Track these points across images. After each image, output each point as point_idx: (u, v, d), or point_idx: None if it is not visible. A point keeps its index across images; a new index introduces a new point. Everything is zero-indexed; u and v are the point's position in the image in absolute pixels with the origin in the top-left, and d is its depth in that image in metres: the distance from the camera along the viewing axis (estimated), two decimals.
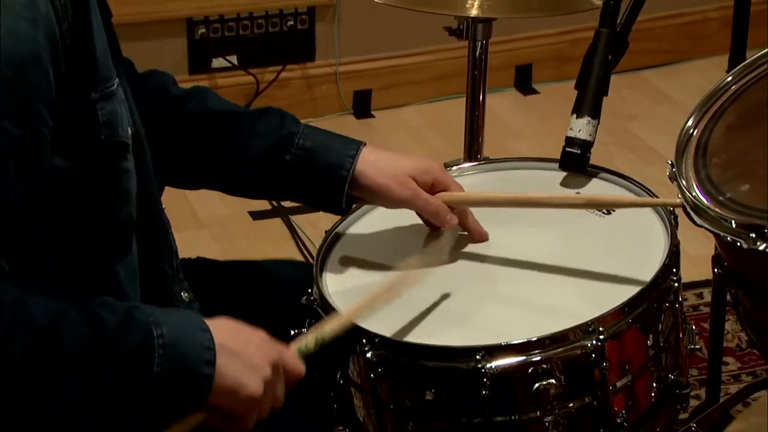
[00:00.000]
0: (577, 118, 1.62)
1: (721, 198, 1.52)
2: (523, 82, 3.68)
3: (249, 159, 1.55)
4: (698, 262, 2.39)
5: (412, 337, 1.36)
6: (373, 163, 1.53)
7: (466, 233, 1.55)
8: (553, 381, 1.32)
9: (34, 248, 1.22)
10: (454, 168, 1.68)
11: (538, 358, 1.32)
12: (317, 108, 3.43)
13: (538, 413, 1.33)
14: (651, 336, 1.40)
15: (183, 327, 1.23)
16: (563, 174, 1.63)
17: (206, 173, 1.60)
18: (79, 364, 1.17)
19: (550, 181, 1.63)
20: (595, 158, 1.63)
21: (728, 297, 1.90)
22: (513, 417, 1.33)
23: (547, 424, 1.34)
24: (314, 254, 1.54)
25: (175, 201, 3.02)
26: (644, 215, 1.54)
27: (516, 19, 2.87)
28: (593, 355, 1.32)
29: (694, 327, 1.50)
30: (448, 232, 1.56)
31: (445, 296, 1.45)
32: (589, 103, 1.62)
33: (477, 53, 2.11)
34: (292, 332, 1.43)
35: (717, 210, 1.50)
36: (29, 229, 1.20)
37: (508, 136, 3.40)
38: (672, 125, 1.79)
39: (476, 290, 1.47)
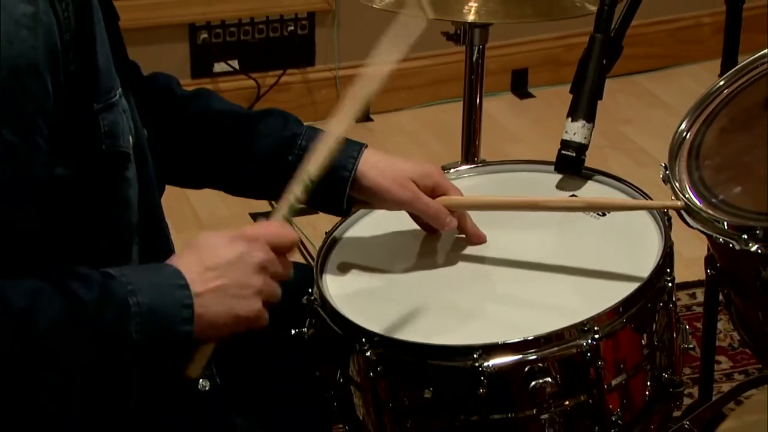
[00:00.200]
0: (572, 121, 1.62)
1: (713, 200, 1.53)
2: (519, 86, 3.69)
3: (252, 159, 1.55)
4: (691, 263, 2.39)
5: (411, 337, 1.35)
6: (374, 165, 1.53)
7: (463, 236, 1.55)
8: (549, 379, 1.32)
9: (30, 253, 1.21)
10: (452, 171, 1.68)
11: (535, 357, 1.31)
12: (317, 112, 3.43)
13: (535, 411, 1.33)
14: (645, 335, 1.40)
15: (159, 289, 1.22)
16: (559, 176, 1.63)
17: (210, 173, 1.60)
18: (57, 343, 1.16)
19: (545, 183, 1.63)
20: (590, 161, 1.63)
21: (721, 297, 1.90)
22: (510, 415, 1.33)
23: (543, 421, 1.34)
24: (314, 255, 1.54)
25: (176, 202, 3.02)
26: (639, 217, 1.54)
27: (512, 24, 2.87)
28: (588, 354, 1.32)
29: (687, 326, 1.50)
30: (445, 235, 1.56)
31: (443, 296, 1.45)
32: (584, 107, 1.62)
33: (474, 58, 2.11)
34: (293, 332, 1.43)
35: (710, 212, 1.50)
36: (24, 234, 1.19)
37: (505, 140, 3.40)
38: (665, 128, 1.79)
39: (474, 290, 1.47)
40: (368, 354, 1.34)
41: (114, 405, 1.23)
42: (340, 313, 1.39)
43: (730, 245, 1.47)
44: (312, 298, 1.44)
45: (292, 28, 3.40)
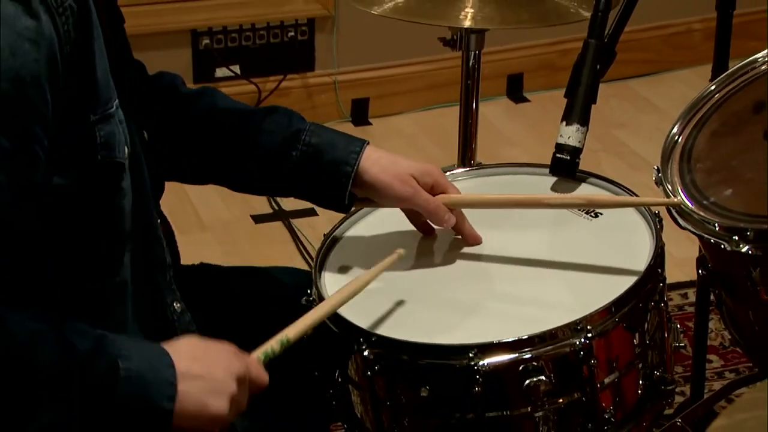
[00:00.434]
0: (566, 125, 1.62)
1: (705, 202, 1.53)
2: (515, 90, 3.68)
3: (256, 155, 1.54)
4: (683, 263, 2.40)
5: (408, 336, 1.35)
6: (376, 161, 1.53)
7: (459, 237, 1.55)
8: (543, 378, 1.31)
9: (30, 254, 1.21)
10: (448, 173, 1.68)
11: (529, 356, 1.31)
12: (317, 116, 3.43)
13: (529, 409, 1.33)
14: (637, 334, 1.40)
15: (149, 361, 1.22)
16: (553, 179, 1.63)
17: (214, 169, 1.59)
18: (49, 384, 1.16)
19: (540, 186, 1.63)
20: (584, 164, 1.63)
21: (712, 297, 1.90)
22: (504, 413, 1.33)
23: (537, 419, 1.33)
24: (313, 256, 1.53)
25: (179, 205, 3.02)
26: (630, 218, 1.54)
27: (507, 30, 2.86)
28: (582, 353, 1.32)
29: (678, 326, 1.50)
30: (441, 236, 1.56)
31: (439, 296, 1.45)
32: (578, 111, 1.62)
33: (470, 63, 2.11)
34: None
35: (701, 213, 1.51)
36: (22, 238, 1.19)
37: (500, 143, 3.40)
38: (657, 132, 1.80)
39: (470, 290, 1.47)
40: (366, 353, 1.34)
41: None
42: (338, 313, 1.39)
43: (721, 246, 1.47)
44: (311, 298, 1.44)
45: (292, 34, 3.39)
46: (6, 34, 1.12)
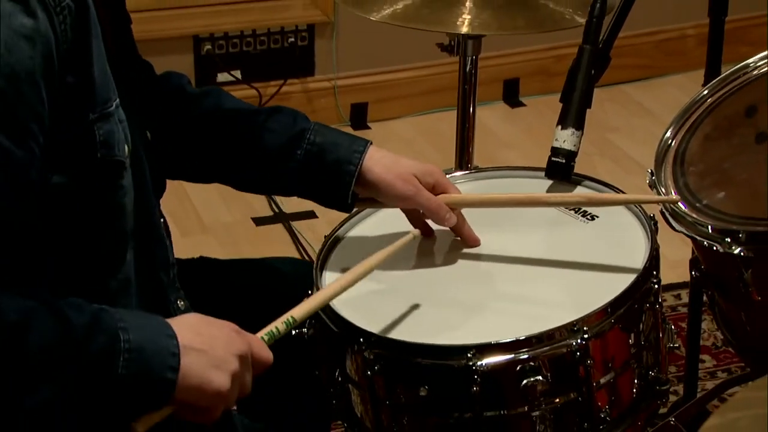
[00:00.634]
0: (562, 129, 1.62)
1: (698, 204, 1.53)
2: (511, 95, 3.68)
3: (261, 154, 1.54)
4: (676, 265, 2.39)
5: (407, 336, 1.35)
6: (379, 161, 1.53)
7: (458, 239, 1.55)
8: (540, 378, 1.31)
9: (31, 256, 1.21)
10: (447, 177, 1.68)
11: (526, 356, 1.31)
12: (317, 120, 3.36)
13: (526, 408, 1.33)
14: (632, 335, 1.40)
15: (150, 333, 1.20)
16: (549, 182, 1.63)
17: (219, 168, 1.59)
18: (45, 361, 1.14)
19: (536, 188, 1.63)
20: (579, 167, 1.63)
21: (705, 298, 1.90)
22: (502, 412, 1.33)
23: (534, 418, 1.33)
24: (313, 257, 1.53)
25: (181, 208, 3.01)
26: (626, 221, 1.54)
27: (504, 36, 2.87)
28: (578, 353, 1.32)
29: (672, 326, 1.50)
30: (441, 238, 1.56)
31: (438, 297, 1.45)
32: (573, 115, 1.62)
33: (467, 68, 2.11)
34: (293, 332, 1.43)
35: (694, 216, 1.51)
36: (21, 235, 1.18)
37: (497, 147, 3.40)
38: (651, 136, 1.80)
39: (469, 291, 1.47)
40: (366, 353, 1.34)
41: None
42: (339, 313, 1.39)
43: (714, 248, 1.47)
44: None
45: (292, 39, 3.39)
46: (2, 31, 1.12)
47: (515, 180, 1.67)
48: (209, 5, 3.29)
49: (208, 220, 3.03)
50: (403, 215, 1.57)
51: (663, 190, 1.55)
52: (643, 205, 1.53)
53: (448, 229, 1.54)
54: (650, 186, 1.57)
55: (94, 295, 1.26)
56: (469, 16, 2.00)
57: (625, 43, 3.44)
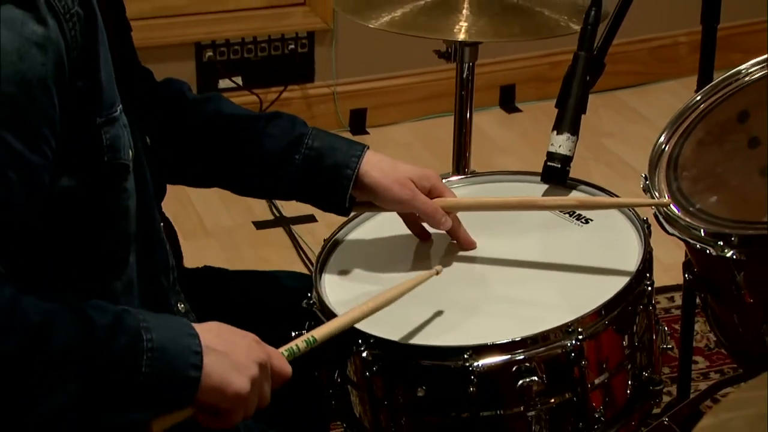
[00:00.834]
0: (557, 134, 1.62)
1: (691, 208, 1.53)
2: (507, 101, 3.69)
3: (261, 158, 1.54)
4: (670, 268, 2.40)
5: (405, 338, 1.35)
6: (376, 165, 1.53)
7: (454, 242, 1.55)
8: (536, 378, 1.31)
9: (33, 257, 1.20)
10: (444, 181, 1.68)
11: (522, 357, 1.31)
12: (316, 125, 3.36)
13: (522, 408, 1.33)
14: (626, 336, 1.40)
15: (172, 332, 1.19)
16: (545, 186, 1.63)
17: (219, 173, 1.59)
18: (68, 362, 1.13)
19: (532, 193, 1.63)
20: (574, 172, 1.63)
21: (698, 300, 1.90)
22: (498, 412, 1.33)
23: (530, 418, 1.33)
24: (313, 260, 1.53)
25: (183, 211, 3.02)
26: (619, 225, 1.54)
27: (500, 42, 2.87)
28: (573, 354, 1.32)
29: (666, 328, 1.50)
30: (437, 241, 1.56)
31: (435, 299, 1.45)
32: (568, 121, 1.62)
33: (464, 74, 2.11)
34: (293, 333, 1.43)
35: (687, 219, 1.51)
36: (25, 236, 1.18)
37: (494, 152, 3.40)
38: (645, 141, 1.80)
39: (466, 293, 1.47)
40: (364, 355, 1.34)
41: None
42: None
43: (707, 251, 1.47)
44: (311, 302, 1.44)
45: (292, 46, 3.40)
46: (14, 39, 1.12)
47: (511, 184, 1.67)
48: (211, 13, 3.30)
49: (210, 224, 3.03)
50: (401, 219, 1.57)
51: (657, 194, 1.55)
52: (636, 209, 1.53)
53: (444, 232, 1.55)
54: (644, 190, 1.57)
55: (99, 296, 1.25)
56: (465, 24, 2.00)
57: (620, 50, 3.44)
